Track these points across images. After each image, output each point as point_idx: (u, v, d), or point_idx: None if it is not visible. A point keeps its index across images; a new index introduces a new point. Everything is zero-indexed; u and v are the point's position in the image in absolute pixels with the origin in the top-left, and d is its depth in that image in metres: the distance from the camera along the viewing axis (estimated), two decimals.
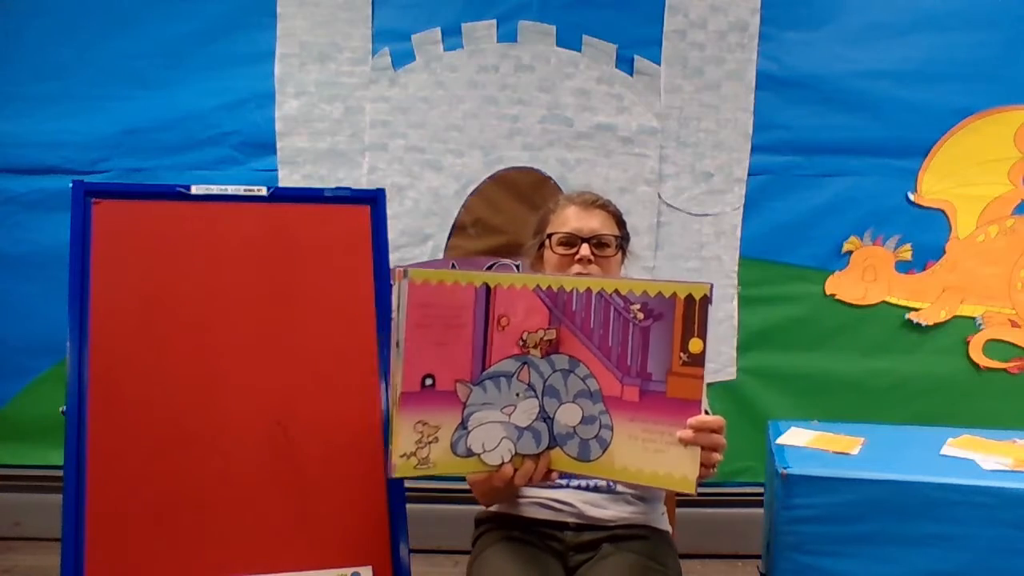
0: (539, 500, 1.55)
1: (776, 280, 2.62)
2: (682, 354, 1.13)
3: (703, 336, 1.12)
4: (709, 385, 2.57)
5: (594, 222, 1.58)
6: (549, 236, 1.60)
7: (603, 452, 1.18)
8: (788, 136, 2.57)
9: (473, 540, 1.65)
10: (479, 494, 1.56)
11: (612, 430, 1.18)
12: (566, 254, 1.57)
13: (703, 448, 1.13)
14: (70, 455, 1.69)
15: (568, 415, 1.22)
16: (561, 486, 1.54)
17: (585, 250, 1.54)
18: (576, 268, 1.55)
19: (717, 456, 1.17)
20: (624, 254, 1.64)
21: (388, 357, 1.92)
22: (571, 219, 1.59)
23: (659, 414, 1.15)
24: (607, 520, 1.52)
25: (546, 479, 1.27)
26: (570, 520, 1.53)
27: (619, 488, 1.54)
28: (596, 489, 1.54)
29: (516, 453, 1.21)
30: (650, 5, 2.52)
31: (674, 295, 1.14)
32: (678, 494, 1.61)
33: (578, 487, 1.53)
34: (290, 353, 1.87)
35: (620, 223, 1.63)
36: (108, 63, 2.57)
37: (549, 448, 1.23)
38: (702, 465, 1.14)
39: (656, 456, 1.14)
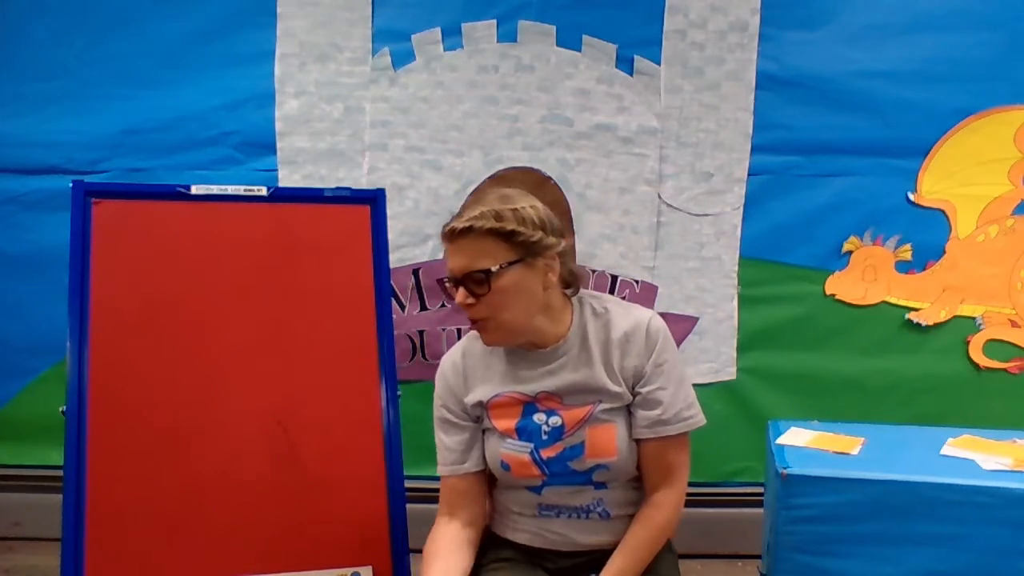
0: (531, 530, 1.49)
1: (776, 280, 2.61)
2: None
3: None
4: (709, 385, 2.59)
5: (461, 258, 1.36)
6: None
7: None
8: (788, 136, 2.57)
9: None
10: None
11: None
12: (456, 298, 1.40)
13: None
14: (70, 455, 1.70)
15: None
16: (551, 517, 1.47)
17: (459, 296, 1.36)
18: (465, 312, 1.39)
19: None
20: (532, 260, 1.37)
21: (388, 357, 1.92)
22: (447, 257, 1.40)
23: None
24: (603, 544, 1.46)
25: None
26: (563, 548, 1.48)
27: (614, 513, 1.46)
28: (588, 517, 1.46)
29: None
30: (650, 5, 2.52)
31: None
32: None
33: (569, 516, 1.47)
34: (290, 353, 1.88)
35: (505, 235, 1.35)
36: (108, 63, 2.56)
37: None
38: None
39: None
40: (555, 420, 1.42)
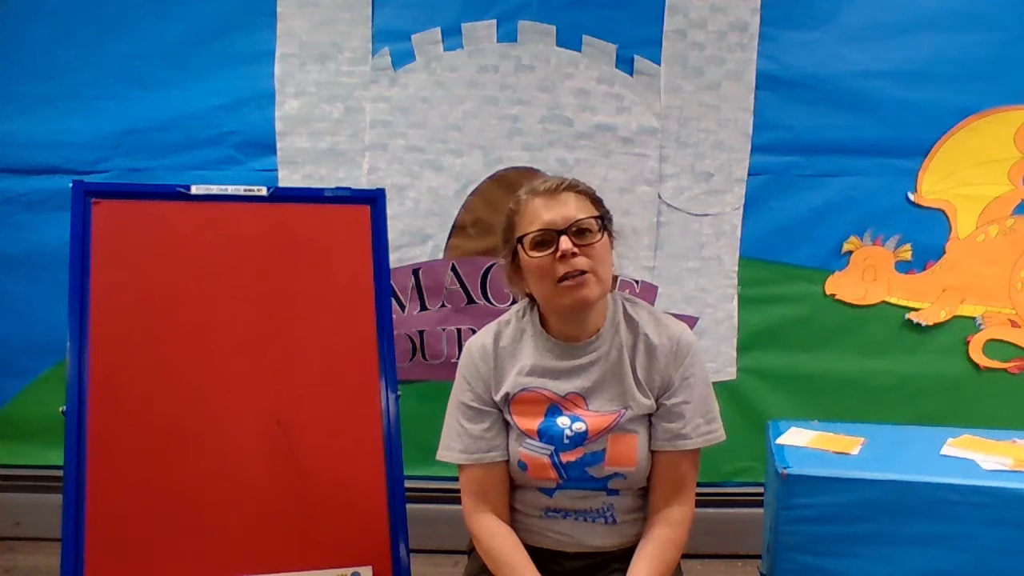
0: (534, 530, 1.48)
1: (776, 280, 2.62)
2: None
3: None
4: None
5: (567, 209, 1.38)
6: (520, 240, 1.40)
7: None
8: (788, 136, 2.57)
9: (468, 553, 1.61)
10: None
11: None
12: (544, 255, 1.36)
13: None
14: (70, 455, 1.70)
15: None
16: (557, 519, 1.47)
17: (565, 243, 1.34)
18: (561, 268, 1.35)
19: None
20: (611, 235, 1.44)
21: (388, 357, 1.92)
22: (540, 212, 1.38)
23: None
24: (609, 547, 1.47)
25: None
26: (568, 549, 1.47)
27: (620, 519, 1.46)
28: (594, 521, 1.46)
29: None
30: (650, 5, 2.52)
31: None
32: None
33: (576, 519, 1.46)
34: (290, 353, 1.88)
35: (596, 201, 1.44)
36: (108, 63, 2.57)
37: None
38: None
39: None
40: (579, 426, 1.41)
